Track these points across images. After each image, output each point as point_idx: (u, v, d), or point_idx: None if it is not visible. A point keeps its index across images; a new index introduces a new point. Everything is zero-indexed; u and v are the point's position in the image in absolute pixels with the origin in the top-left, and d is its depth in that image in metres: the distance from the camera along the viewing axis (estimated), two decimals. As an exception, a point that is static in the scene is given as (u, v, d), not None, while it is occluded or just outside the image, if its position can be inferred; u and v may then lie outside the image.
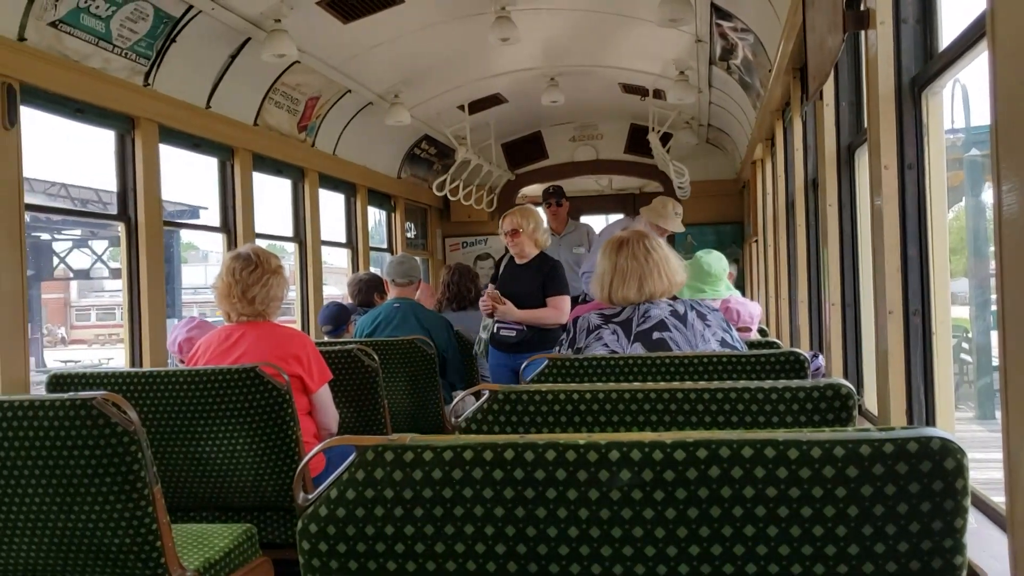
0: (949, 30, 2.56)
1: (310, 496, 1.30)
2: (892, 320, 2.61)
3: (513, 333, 5.06)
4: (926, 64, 2.59)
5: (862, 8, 2.75)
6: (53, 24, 4.04)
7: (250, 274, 3.42)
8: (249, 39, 5.37)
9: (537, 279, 5.08)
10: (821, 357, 4.12)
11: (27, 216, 3.96)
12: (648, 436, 1.24)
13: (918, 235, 2.58)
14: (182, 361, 4.08)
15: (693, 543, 1.22)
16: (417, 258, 6.28)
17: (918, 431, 1.19)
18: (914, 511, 1.18)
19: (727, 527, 1.21)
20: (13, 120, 3.81)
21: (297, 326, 6.90)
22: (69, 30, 4.14)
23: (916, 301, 2.59)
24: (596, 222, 13.69)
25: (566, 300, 5.08)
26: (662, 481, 1.22)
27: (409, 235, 9.91)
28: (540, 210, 5.38)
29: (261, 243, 5.90)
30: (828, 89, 3.80)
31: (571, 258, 7.39)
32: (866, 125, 2.93)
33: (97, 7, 4.21)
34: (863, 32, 2.78)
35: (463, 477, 1.25)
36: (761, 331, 4.88)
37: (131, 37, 4.53)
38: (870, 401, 3.46)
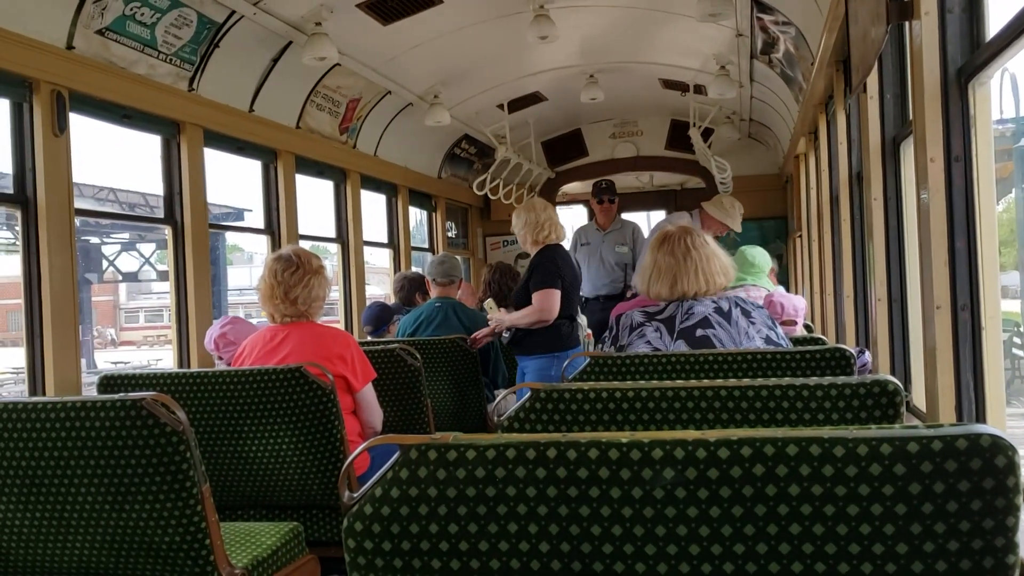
0: (996, 19, 2.51)
1: (355, 495, 1.31)
2: (940, 315, 2.56)
3: (506, 333, 4.96)
4: (972, 54, 2.54)
5: (905, -1, 2.71)
6: (100, 32, 4.11)
7: (291, 275, 3.46)
8: (290, 43, 5.43)
9: (525, 277, 4.85)
10: (868, 353, 4.06)
11: (77, 221, 4.05)
12: (692, 434, 1.24)
13: (966, 228, 2.53)
14: (220, 358, 4.13)
15: (738, 541, 1.21)
16: (458, 257, 6.30)
17: (967, 428, 1.17)
18: (964, 509, 1.16)
19: (772, 525, 1.20)
20: (63, 127, 3.89)
21: (340, 326, 6.97)
22: (116, 37, 4.21)
23: (964, 295, 2.54)
24: (637, 219, 13.67)
25: (546, 295, 4.64)
26: (706, 479, 1.21)
27: (450, 234, 9.95)
28: (536, 206, 4.95)
29: (304, 244, 5.96)
30: (872, 81, 3.74)
31: (612, 257, 7.34)
32: (911, 117, 2.88)
33: (142, 14, 4.28)
34: (907, 23, 2.73)
35: (506, 476, 1.26)
36: (807, 327, 4.82)
37: (175, 43, 4.61)
38: (918, 398, 3.40)
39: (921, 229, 2.73)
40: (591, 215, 7.99)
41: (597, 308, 7.23)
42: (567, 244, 7.10)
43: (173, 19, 4.49)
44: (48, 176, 3.81)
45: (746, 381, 2.14)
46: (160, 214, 5.05)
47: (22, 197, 3.81)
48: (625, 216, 8.30)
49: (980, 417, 2.56)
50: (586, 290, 7.08)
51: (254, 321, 4.71)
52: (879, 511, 1.18)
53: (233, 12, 4.80)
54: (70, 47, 3.97)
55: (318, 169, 6.72)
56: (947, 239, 2.54)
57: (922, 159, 2.59)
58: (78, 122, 4.12)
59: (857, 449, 1.18)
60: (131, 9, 4.20)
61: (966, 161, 2.52)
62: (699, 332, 2.93)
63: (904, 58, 3.59)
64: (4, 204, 3.95)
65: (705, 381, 2.20)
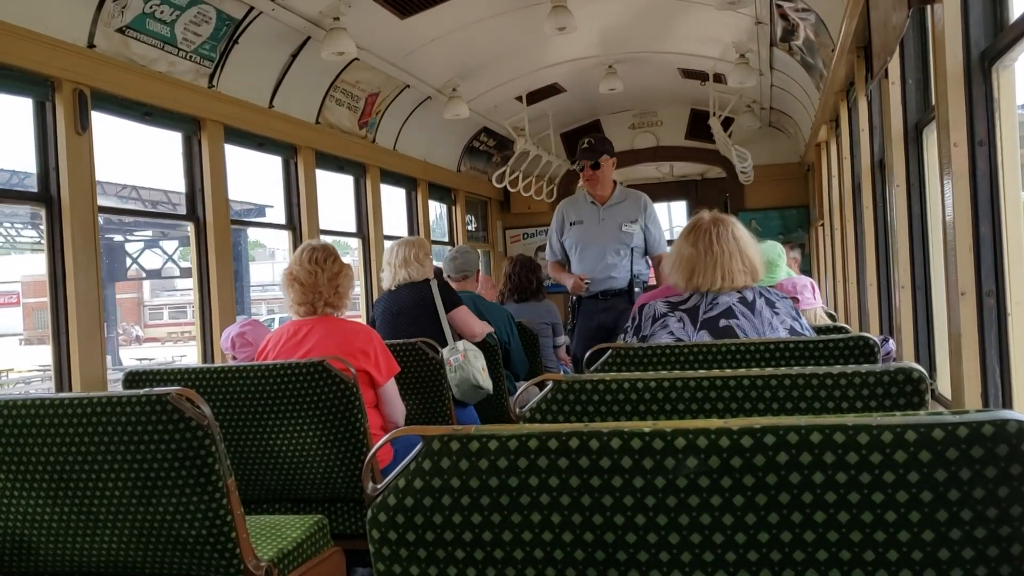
0: (1020, 0, 2.48)
1: (378, 486, 1.32)
2: (965, 301, 2.53)
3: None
4: (996, 37, 2.50)
5: (928, -18, 2.67)
6: (120, 30, 4.14)
7: (333, 263, 3.51)
8: (309, 38, 5.45)
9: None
10: (892, 341, 4.03)
11: (100, 218, 4.08)
12: (714, 423, 1.23)
13: (991, 213, 2.50)
14: (234, 357, 4.14)
15: (762, 530, 1.21)
16: (478, 250, 6.30)
17: (993, 414, 1.16)
18: (991, 496, 1.15)
19: (796, 514, 1.20)
20: (85, 125, 3.93)
21: (362, 320, 7.00)
22: (136, 35, 4.24)
23: (989, 281, 2.51)
24: (660, 210, 13.57)
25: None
26: (729, 468, 1.21)
27: (470, 228, 9.95)
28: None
29: (326, 239, 5.98)
30: (894, 67, 3.70)
31: (618, 239, 5.52)
32: (934, 102, 2.85)
33: (162, 12, 4.31)
34: (929, 7, 2.70)
35: (529, 466, 1.26)
36: (830, 316, 4.79)
37: (195, 40, 4.63)
38: (943, 385, 3.37)
39: (945, 215, 2.70)
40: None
41: (598, 308, 5.52)
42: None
43: (192, 16, 4.51)
44: (71, 174, 3.85)
45: (769, 370, 2.13)
46: (182, 211, 5.08)
47: (46, 195, 3.84)
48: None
49: (1007, 403, 2.53)
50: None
51: (275, 318, 4.73)
52: (904, 498, 1.17)
53: (252, 8, 4.82)
54: (91, 46, 4.00)
55: (338, 164, 6.74)
56: (971, 224, 2.51)
57: (945, 144, 2.56)
58: (100, 121, 4.16)
59: (882, 436, 1.17)
60: (151, 7, 4.23)
61: (990, 145, 2.49)
62: (722, 322, 2.92)
63: (926, 43, 3.55)
64: (29, 202, 4.00)
65: (728, 371, 2.19)
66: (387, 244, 5.01)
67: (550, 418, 2.10)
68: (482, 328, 4.85)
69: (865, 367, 2.07)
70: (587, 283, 5.44)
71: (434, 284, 4.74)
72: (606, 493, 1.24)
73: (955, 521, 1.16)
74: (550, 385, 2.12)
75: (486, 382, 4.60)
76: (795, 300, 4.34)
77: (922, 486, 1.16)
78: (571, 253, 5.68)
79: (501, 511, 1.27)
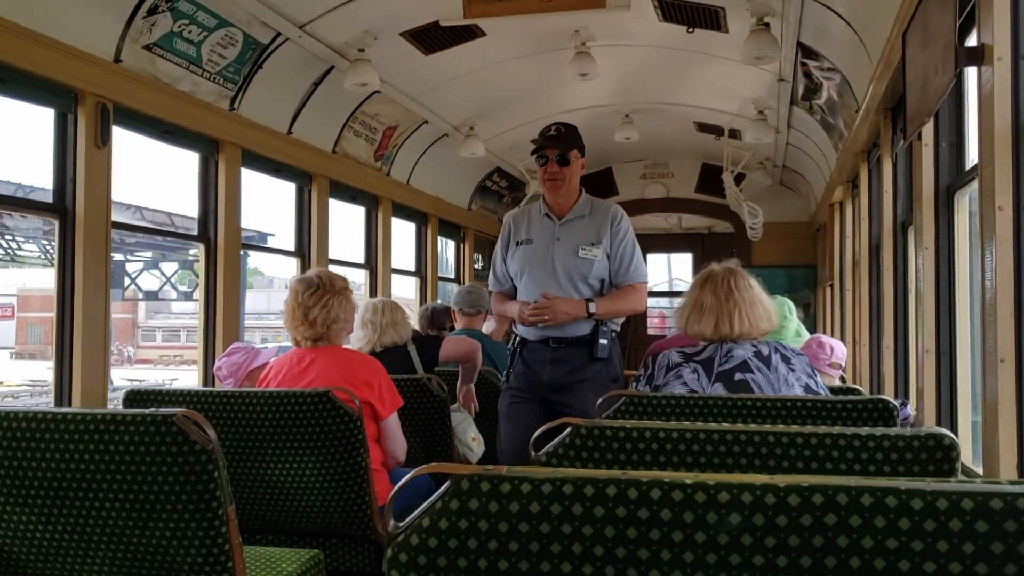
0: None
1: (400, 524, 1.26)
2: (1003, 369, 2.47)
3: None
4: (1049, 99, 2.47)
5: (975, 44, 2.64)
6: (148, 47, 4.14)
7: (311, 296, 3.44)
8: (332, 67, 5.46)
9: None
10: (909, 406, 3.96)
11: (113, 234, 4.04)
12: (759, 478, 1.18)
13: (1034, 279, 2.45)
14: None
15: (806, 595, 1.14)
16: (485, 288, 6.26)
17: None
18: None
19: (843, 579, 1.13)
20: (105, 139, 3.91)
21: (364, 353, 6.93)
22: (162, 53, 4.24)
23: (1031, 349, 2.45)
24: (662, 261, 13.51)
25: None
26: (774, 527, 1.15)
27: (477, 266, 9.93)
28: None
29: (335, 269, 5.93)
30: (927, 129, 3.67)
31: (573, 267, 3.83)
32: (971, 166, 2.82)
33: (190, 32, 4.31)
34: (970, 68, 2.68)
35: (562, 512, 1.20)
36: (841, 378, 4.73)
37: (220, 62, 4.63)
38: (964, 454, 3.30)
39: (984, 279, 2.65)
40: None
41: (545, 358, 3.84)
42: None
43: (219, 38, 4.52)
44: (88, 187, 3.83)
45: (794, 428, 2.07)
46: (186, 236, 5.05)
47: (61, 207, 3.81)
48: (652, 257, 7.72)
49: (1047, 477, 2.45)
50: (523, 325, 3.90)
51: (269, 345, 4.66)
52: (958, 569, 1.11)
53: (279, 34, 4.83)
54: (117, 60, 4.00)
55: (351, 194, 6.73)
56: (1013, 289, 2.45)
57: (989, 208, 2.52)
58: (114, 139, 4.13)
59: (936, 503, 1.12)
60: (179, 26, 4.23)
61: (1037, 210, 2.44)
62: (738, 376, 2.87)
63: (962, 105, 3.52)
64: (43, 213, 3.97)
65: (752, 425, 2.13)
66: (402, 282, 4.90)
67: (567, 463, 2.05)
68: (472, 343, 4.74)
69: (893, 430, 2.02)
70: (530, 315, 3.77)
71: (411, 348, 4.59)
72: (643, 546, 1.18)
73: (1011, 597, 1.10)
74: (568, 429, 2.06)
75: (480, 448, 4.55)
76: (837, 367, 4.27)
77: (977, 558, 1.11)
78: (519, 279, 4.01)
79: (530, 558, 1.21)
